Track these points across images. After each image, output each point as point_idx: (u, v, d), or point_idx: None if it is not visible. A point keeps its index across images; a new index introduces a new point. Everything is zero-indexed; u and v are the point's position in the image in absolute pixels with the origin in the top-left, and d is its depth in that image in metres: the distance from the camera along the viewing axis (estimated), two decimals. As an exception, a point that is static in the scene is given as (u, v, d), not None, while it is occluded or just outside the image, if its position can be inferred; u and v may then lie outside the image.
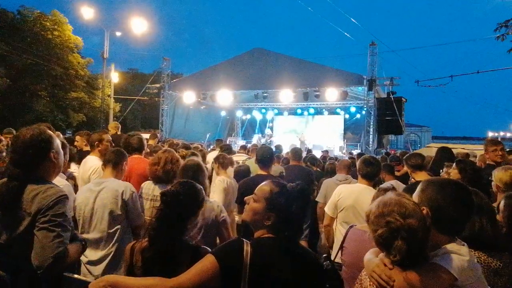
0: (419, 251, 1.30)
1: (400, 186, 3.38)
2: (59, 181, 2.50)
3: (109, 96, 19.96)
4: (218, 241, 2.60)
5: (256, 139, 18.41)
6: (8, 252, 1.67)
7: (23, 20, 21.52)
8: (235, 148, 11.94)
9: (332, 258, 3.11)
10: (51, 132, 1.87)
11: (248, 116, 22.49)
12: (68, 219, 1.73)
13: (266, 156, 3.62)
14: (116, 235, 2.64)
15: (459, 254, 1.37)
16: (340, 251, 2.34)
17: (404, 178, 4.50)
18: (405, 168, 3.76)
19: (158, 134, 14.63)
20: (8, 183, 1.71)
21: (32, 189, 1.70)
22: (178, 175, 2.82)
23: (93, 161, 3.71)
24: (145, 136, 5.67)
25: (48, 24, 21.44)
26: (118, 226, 2.65)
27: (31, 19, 21.49)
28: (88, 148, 4.77)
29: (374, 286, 1.39)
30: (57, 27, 21.73)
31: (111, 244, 2.63)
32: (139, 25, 17.79)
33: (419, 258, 1.32)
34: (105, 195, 2.65)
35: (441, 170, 4.01)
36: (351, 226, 2.33)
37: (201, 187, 2.01)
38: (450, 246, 1.41)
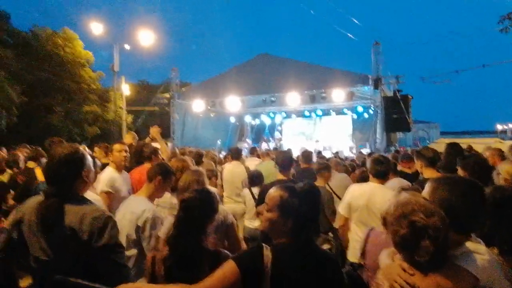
0: (444, 251, 1.27)
1: (404, 183, 3.41)
2: (92, 195, 2.54)
3: (121, 108, 20.44)
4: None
5: (262, 144, 18.55)
6: (54, 268, 1.64)
7: (36, 39, 22.20)
8: (245, 152, 12.14)
9: (349, 258, 3.20)
10: (84, 151, 1.91)
11: (257, 121, 22.71)
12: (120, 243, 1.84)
13: (286, 160, 3.65)
14: (133, 259, 2.44)
15: (478, 253, 1.34)
16: (361, 255, 2.31)
17: (415, 176, 4.23)
18: (416, 166, 3.51)
19: (169, 144, 14.93)
20: (46, 200, 1.71)
21: (75, 208, 1.71)
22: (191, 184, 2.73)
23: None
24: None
25: (59, 41, 22.06)
26: (135, 251, 2.46)
27: (44, 38, 22.16)
28: (106, 160, 4.59)
29: None
30: (68, 43, 22.35)
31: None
32: (146, 37, 18.29)
33: (442, 258, 1.29)
34: (124, 217, 2.52)
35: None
36: (371, 229, 2.30)
37: (215, 193, 2.08)
38: (468, 245, 1.38)
